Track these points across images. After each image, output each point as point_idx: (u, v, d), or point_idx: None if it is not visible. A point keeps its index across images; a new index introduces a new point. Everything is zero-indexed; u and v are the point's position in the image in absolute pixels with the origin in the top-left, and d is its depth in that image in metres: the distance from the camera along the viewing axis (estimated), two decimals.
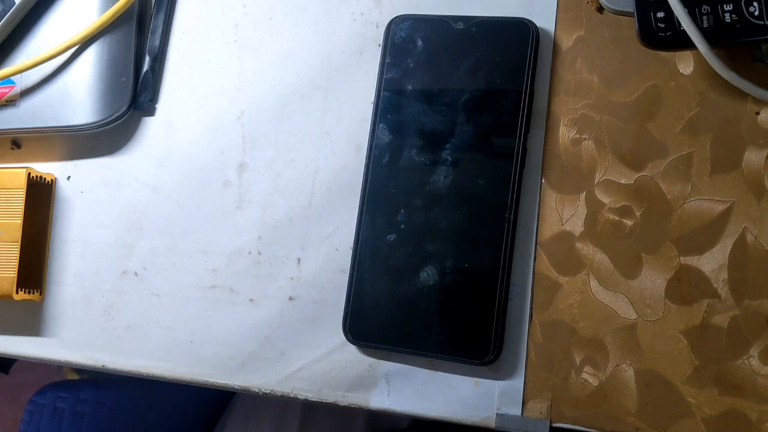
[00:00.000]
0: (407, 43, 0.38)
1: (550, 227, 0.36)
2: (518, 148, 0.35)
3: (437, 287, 0.35)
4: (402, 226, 0.36)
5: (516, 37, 0.36)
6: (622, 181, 0.35)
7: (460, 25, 0.37)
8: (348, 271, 0.37)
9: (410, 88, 0.37)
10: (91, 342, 0.41)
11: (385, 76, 0.38)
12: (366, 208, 0.37)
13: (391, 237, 0.36)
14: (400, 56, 0.38)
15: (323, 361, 0.37)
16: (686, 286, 0.33)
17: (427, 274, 0.35)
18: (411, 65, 0.37)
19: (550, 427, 0.34)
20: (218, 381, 0.39)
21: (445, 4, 0.39)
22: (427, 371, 0.36)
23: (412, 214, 0.36)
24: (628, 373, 0.34)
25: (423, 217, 0.36)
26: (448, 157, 0.36)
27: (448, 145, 0.36)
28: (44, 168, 0.43)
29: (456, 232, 0.35)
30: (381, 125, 0.37)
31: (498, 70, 0.36)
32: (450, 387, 0.36)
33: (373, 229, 0.37)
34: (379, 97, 0.38)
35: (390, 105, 0.37)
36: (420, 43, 0.37)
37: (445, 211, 0.36)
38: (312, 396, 0.37)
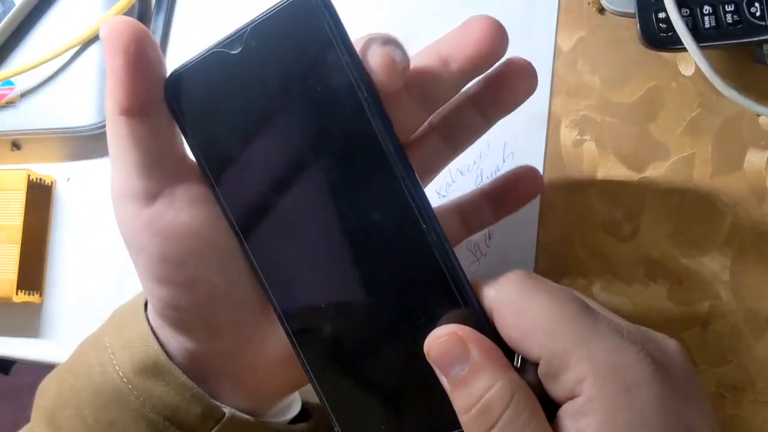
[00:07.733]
0: (195, 99, 0.28)
1: (550, 230, 0.35)
2: (389, 152, 0.26)
3: (412, 357, 0.27)
4: (331, 312, 0.28)
5: (305, 21, 0.26)
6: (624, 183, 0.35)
7: (238, 48, 0.27)
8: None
9: (231, 145, 0.28)
10: None
11: (198, 150, 0.28)
12: (287, 318, 0.28)
13: (327, 329, 0.28)
14: (198, 117, 0.28)
15: None
16: (687, 288, 0.33)
17: (394, 347, 0.27)
18: (218, 124, 0.28)
19: None
20: None
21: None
22: None
23: (330, 291, 0.28)
24: None
25: (343, 287, 0.28)
26: (327, 206, 0.27)
27: (317, 194, 0.27)
28: (44, 169, 0.43)
29: (391, 287, 0.27)
30: (233, 212, 0.28)
31: (311, 71, 0.27)
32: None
33: (306, 331, 0.28)
34: (211, 181, 0.28)
35: (222, 177, 0.28)
36: (210, 90, 0.28)
37: (367, 273, 0.27)
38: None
